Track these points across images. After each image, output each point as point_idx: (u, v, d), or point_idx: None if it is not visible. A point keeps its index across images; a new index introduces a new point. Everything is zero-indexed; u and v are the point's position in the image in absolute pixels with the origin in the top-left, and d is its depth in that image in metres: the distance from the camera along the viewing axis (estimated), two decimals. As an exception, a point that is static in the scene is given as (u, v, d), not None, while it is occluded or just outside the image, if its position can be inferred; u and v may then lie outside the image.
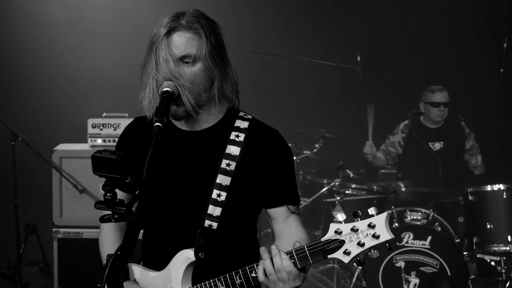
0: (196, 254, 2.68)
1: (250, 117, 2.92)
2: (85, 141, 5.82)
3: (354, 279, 6.03)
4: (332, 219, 6.29)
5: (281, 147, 2.89)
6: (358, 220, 2.36)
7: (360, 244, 2.35)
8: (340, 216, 2.43)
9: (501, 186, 5.95)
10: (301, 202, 6.68)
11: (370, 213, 2.34)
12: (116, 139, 4.71)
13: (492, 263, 6.13)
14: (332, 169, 6.86)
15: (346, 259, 2.38)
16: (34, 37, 8.69)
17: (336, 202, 6.33)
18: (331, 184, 6.55)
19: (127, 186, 2.20)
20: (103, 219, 2.21)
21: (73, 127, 7.45)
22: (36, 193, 7.43)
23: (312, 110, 8.83)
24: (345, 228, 2.37)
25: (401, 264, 5.75)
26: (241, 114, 2.91)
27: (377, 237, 2.32)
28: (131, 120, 3.20)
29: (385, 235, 2.32)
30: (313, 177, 7.01)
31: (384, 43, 8.82)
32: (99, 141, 5.79)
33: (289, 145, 7.20)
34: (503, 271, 5.98)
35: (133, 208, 2.17)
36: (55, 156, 5.62)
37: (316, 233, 6.76)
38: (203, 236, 2.73)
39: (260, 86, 7.55)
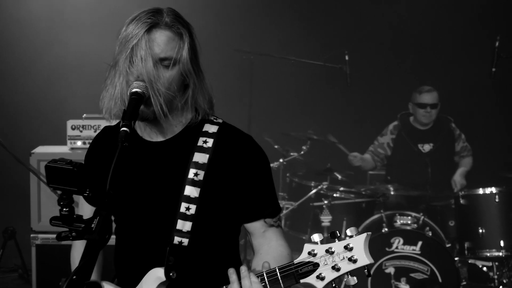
0: (166, 274, 2.47)
1: (220, 121, 2.69)
2: (65, 143, 5.66)
3: (342, 285, 5.88)
4: (320, 223, 6.23)
5: (255, 154, 2.65)
6: (335, 241, 2.15)
7: (336, 269, 2.13)
8: (317, 236, 2.20)
9: (493, 189, 5.86)
10: (287, 206, 6.66)
11: (348, 234, 2.13)
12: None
13: (484, 268, 6.04)
14: (320, 171, 6.76)
15: (319, 285, 2.16)
16: (10, 34, 8.49)
17: (324, 206, 6.23)
18: (319, 187, 6.44)
19: (88, 200, 2.00)
20: (60, 237, 1.99)
21: (53, 129, 7.28)
22: (15, 197, 7.27)
23: (299, 110, 8.70)
24: (320, 249, 2.15)
25: (391, 270, 5.66)
26: (210, 118, 2.68)
27: (354, 261, 2.10)
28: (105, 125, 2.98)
29: (363, 259, 2.10)
30: (300, 180, 6.89)
31: (373, 42, 8.70)
32: (79, 143, 5.64)
33: (275, 146, 7.11)
34: (496, 276, 5.89)
35: (92, 225, 1.96)
36: (33, 159, 5.46)
37: (304, 237, 6.64)
38: (173, 254, 2.51)
39: (245, 86, 7.42)
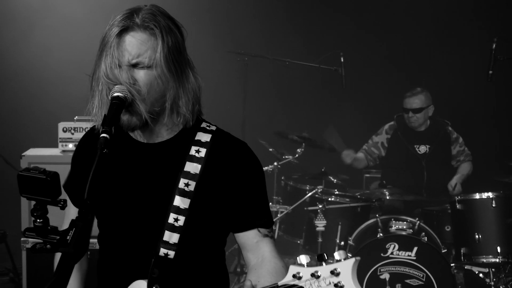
0: (149, 287, 2.39)
1: (213, 128, 2.58)
2: (56, 146, 5.61)
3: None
4: (314, 228, 6.15)
5: (249, 162, 2.56)
6: (322, 265, 2.03)
7: None
8: (304, 258, 2.09)
9: (490, 194, 5.78)
10: (282, 210, 6.59)
11: (336, 258, 1.99)
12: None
13: (481, 275, 5.93)
14: (315, 175, 6.70)
15: None
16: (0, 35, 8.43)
17: (319, 210, 6.14)
18: (314, 191, 6.38)
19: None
20: (34, 249, 1.91)
21: (44, 131, 7.20)
22: (5, 200, 7.17)
23: (294, 113, 8.64)
24: (306, 272, 2.02)
25: (386, 276, 5.59)
26: (203, 125, 2.58)
27: (341, 287, 1.98)
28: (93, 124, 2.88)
29: (350, 286, 1.96)
30: (295, 183, 6.83)
31: (368, 43, 8.64)
32: (70, 145, 5.58)
33: (270, 149, 7.02)
34: (492, 283, 5.80)
35: (68, 237, 1.86)
36: (24, 162, 5.40)
37: (298, 241, 6.60)
38: (158, 266, 2.41)
39: (240, 88, 7.34)
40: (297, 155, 6.98)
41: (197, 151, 2.50)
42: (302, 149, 6.94)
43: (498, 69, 5.99)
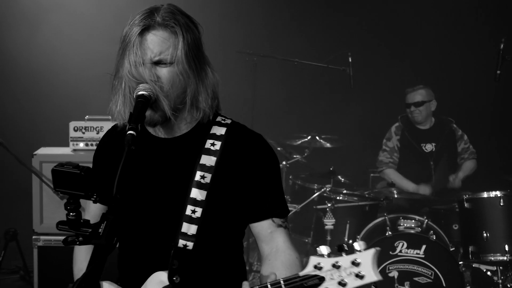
0: (170, 278, 2.44)
1: (229, 121, 2.64)
2: (67, 145, 5.65)
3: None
4: (323, 226, 6.19)
5: (264, 153, 2.62)
6: (342, 255, 2.07)
7: (342, 284, 2.03)
8: (324, 249, 2.13)
9: (498, 193, 5.79)
10: (291, 209, 6.61)
11: (356, 248, 2.04)
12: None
13: (488, 273, 5.97)
14: (323, 174, 6.72)
15: None
16: (13, 35, 8.45)
17: (327, 209, 6.18)
18: (322, 189, 6.41)
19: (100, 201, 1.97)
20: (66, 242, 1.97)
21: (56, 130, 7.24)
22: (17, 199, 7.23)
23: (303, 112, 8.67)
24: (326, 263, 2.07)
25: (395, 274, 5.62)
26: (218, 119, 2.64)
27: (361, 277, 2.00)
28: (115, 123, 2.95)
29: (371, 276, 1.99)
30: (303, 182, 6.85)
31: (375, 43, 8.68)
32: (81, 145, 5.62)
33: (278, 149, 7.04)
34: (500, 281, 5.82)
35: (100, 230, 1.92)
36: (35, 161, 5.45)
37: (306, 240, 6.63)
38: (178, 257, 2.48)
39: (248, 88, 7.37)
40: (305, 155, 7.03)
41: (212, 144, 2.56)
42: (311, 149, 6.98)
43: (506, 69, 6.01)
